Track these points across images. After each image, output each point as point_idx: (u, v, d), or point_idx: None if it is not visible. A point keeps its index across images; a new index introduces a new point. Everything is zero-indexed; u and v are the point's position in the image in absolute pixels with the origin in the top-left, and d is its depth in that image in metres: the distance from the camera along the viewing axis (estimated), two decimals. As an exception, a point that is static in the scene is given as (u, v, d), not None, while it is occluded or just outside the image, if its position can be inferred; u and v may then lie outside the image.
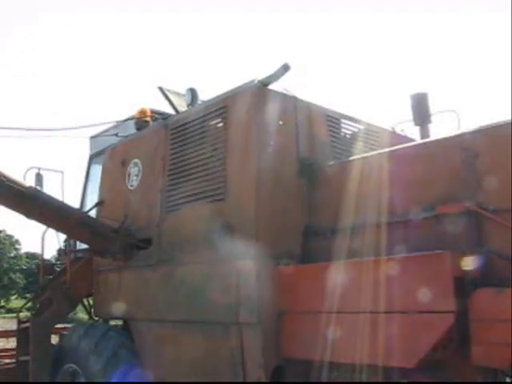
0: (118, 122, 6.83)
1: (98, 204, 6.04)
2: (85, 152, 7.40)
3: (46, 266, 6.55)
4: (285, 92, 4.77)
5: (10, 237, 66.17)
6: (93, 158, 7.29)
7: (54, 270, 6.78)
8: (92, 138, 7.28)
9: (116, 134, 6.20)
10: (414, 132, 5.91)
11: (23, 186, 5.00)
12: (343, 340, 3.91)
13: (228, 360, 4.39)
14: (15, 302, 54.03)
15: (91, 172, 7.28)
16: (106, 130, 6.99)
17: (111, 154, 6.09)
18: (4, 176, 4.85)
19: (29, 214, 5.20)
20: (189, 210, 4.91)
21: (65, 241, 6.55)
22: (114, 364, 5.17)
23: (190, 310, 4.73)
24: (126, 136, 6.28)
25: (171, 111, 6.08)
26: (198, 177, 4.86)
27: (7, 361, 6.53)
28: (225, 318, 4.41)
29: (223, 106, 4.76)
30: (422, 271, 3.54)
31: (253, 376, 4.21)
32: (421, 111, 5.83)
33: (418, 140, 5.83)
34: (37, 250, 73.99)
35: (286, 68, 4.55)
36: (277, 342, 4.24)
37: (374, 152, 4.78)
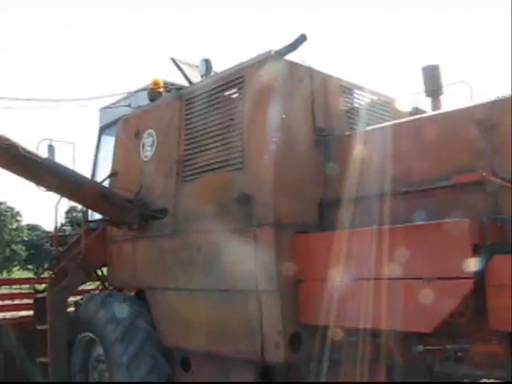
0: (128, 93, 6.85)
1: (112, 175, 6.08)
2: (95, 123, 7.42)
3: (58, 238, 6.62)
4: (301, 62, 4.79)
5: (12, 209, 66.67)
6: (103, 130, 7.32)
7: (66, 241, 6.87)
8: (102, 109, 7.30)
9: (129, 105, 6.22)
10: (426, 103, 5.95)
11: (40, 158, 5.06)
12: (361, 306, 4.00)
13: (246, 326, 4.49)
14: (17, 273, 54.59)
15: (102, 143, 7.31)
16: (116, 102, 7.01)
17: (124, 125, 6.12)
18: (22, 148, 4.90)
19: (46, 185, 5.29)
20: (205, 179, 4.97)
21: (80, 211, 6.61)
22: (132, 332, 5.29)
23: (208, 278, 4.83)
24: (139, 107, 6.32)
25: (184, 82, 6.08)
26: (214, 147, 4.91)
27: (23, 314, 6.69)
28: (243, 285, 4.51)
29: (240, 76, 4.78)
30: (440, 238, 3.62)
31: (271, 342, 4.32)
32: (432, 83, 5.85)
33: (430, 111, 5.90)
34: (38, 221, 74.53)
35: (302, 38, 4.57)
36: (294, 308, 4.35)
37: (390, 122, 4.83)
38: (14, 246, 63.39)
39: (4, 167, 4.98)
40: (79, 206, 6.52)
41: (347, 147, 4.70)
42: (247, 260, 4.47)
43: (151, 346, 5.27)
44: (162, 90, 5.90)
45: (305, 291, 4.36)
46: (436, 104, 5.89)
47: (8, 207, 66.07)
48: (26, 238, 66.38)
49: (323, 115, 4.83)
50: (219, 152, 4.87)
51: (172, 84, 6.07)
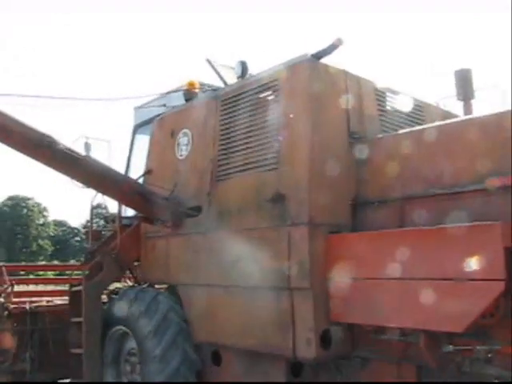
0: (161, 94, 7.05)
1: (146, 173, 6.26)
2: (129, 122, 7.62)
3: (94, 232, 6.84)
4: (336, 66, 4.91)
5: (38, 204, 67.77)
6: (137, 128, 7.52)
7: (101, 236, 7.10)
8: (136, 108, 7.50)
9: (164, 105, 6.40)
10: (457, 107, 6.03)
11: (79, 155, 5.26)
12: (392, 305, 4.12)
13: (278, 323, 4.62)
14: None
15: (135, 141, 7.51)
16: (151, 101, 7.20)
17: (160, 124, 6.29)
18: (63, 145, 5.11)
19: (84, 182, 5.49)
20: (241, 178, 5.12)
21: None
22: (164, 326, 5.45)
23: (241, 275, 4.96)
24: (174, 107, 6.50)
25: (218, 83, 6.24)
26: (250, 147, 5.05)
27: (59, 301, 7.00)
28: (276, 282, 4.64)
29: (276, 78, 4.92)
30: (473, 240, 3.71)
31: (302, 337, 4.45)
32: (464, 87, 5.95)
33: (462, 115, 5.98)
34: (64, 217, 75.62)
35: (338, 42, 4.69)
36: (325, 306, 4.47)
37: (424, 126, 4.93)
38: (40, 241, 64.52)
39: (45, 163, 5.20)
40: (104, 203, 6.72)
41: (380, 150, 4.82)
42: (281, 258, 4.60)
43: (183, 340, 5.43)
44: (197, 90, 6.07)
45: (336, 289, 4.47)
46: (467, 108, 6.00)
47: (35, 203, 67.25)
48: (52, 234, 67.54)
49: (357, 118, 4.94)
50: (254, 152, 5.01)
51: (207, 85, 6.24)
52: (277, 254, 4.65)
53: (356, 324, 4.50)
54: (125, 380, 6.00)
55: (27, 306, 6.58)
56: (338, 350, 4.52)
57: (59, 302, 6.94)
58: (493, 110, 4.40)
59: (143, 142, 7.37)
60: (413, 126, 5.37)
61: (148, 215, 5.79)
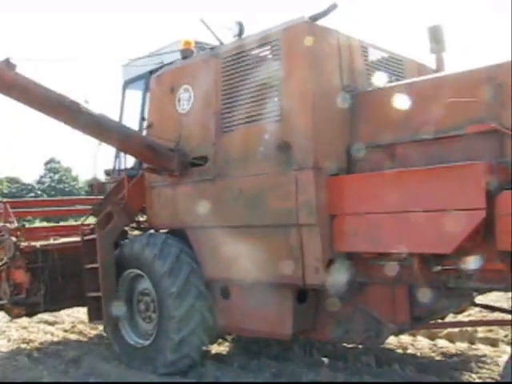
0: (150, 52, 7.55)
1: (148, 127, 6.80)
2: (112, 80, 8.06)
3: (98, 185, 7.38)
4: (329, 27, 5.56)
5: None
6: (127, 84, 7.98)
7: (104, 188, 7.67)
8: (125, 65, 7.94)
9: (162, 62, 6.90)
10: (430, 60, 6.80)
11: (95, 113, 5.76)
12: (390, 234, 4.92)
13: (288, 255, 5.38)
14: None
15: (126, 97, 7.99)
16: (139, 59, 7.69)
17: (158, 81, 6.80)
18: (80, 105, 5.60)
19: (99, 138, 6.04)
20: (245, 129, 5.75)
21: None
22: (178, 266, 6.14)
23: (250, 215, 5.67)
24: (167, 64, 7.02)
25: (210, 42, 6.78)
26: (253, 100, 5.66)
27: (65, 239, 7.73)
28: (285, 220, 5.37)
29: (277, 38, 5.51)
30: (459, 177, 4.52)
31: (311, 267, 5.23)
32: (436, 42, 6.69)
33: (434, 67, 6.76)
34: (16, 174, 74.45)
35: (333, 7, 5.34)
36: (329, 239, 5.26)
37: (409, 80, 5.69)
38: (-8, 199, 63.13)
39: (65, 122, 5.68)
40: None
41: (370, 102, 5.55)
42: (288, 199, 5.32)
43: (195, 278, 6.15)
44: (193, 48, 6.59)
45: (338, 224, 5.26)
46: (439, 61, 6.76)
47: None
48: (5, 191, 66.30)
49: (348, 73, 5.63)
50: (257, 106, 5.63)
51: (203, 43, 6.77)
52: (284, 196, 5.37)
53: (355, 253, 5.34)
54: (138, 318, 6.72)
55: (38, 245, 7.23)
56: (341, 277, 5.35)
57: (65, 240, 7.64)
58: (471, 65, 5.17)
59: (134, 97, 7.88)
60: (394, 79, 6.16)
61: (155, 166, 6.37)
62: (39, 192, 60.90)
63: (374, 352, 6.34)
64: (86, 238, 6.73)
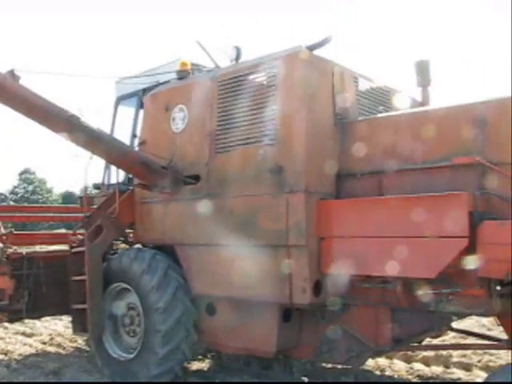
0: (144, 71, 7.78)
1: (141, 144, 6.97)
2: (108, 95, 8.26)
3: (87, 198, 7.50)
4: (325, 57, 5.85)
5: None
6: (120, 100, 8.17)
7: (92, 201, 7.81)
8: (117, 82, 8.13)
9: (157, 81, 7.11)
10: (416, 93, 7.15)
11: (93, 128, 5.93)
12: (375, 258, 5.17)
13: (276, 275, 5.57)
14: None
15: (117, 113, 8.16)
16: (133, 76, 7.89)
17: (153, 99, 7.00)
18: (79, 118, 5.77)
19: (95, 152, 6.20)
20: (239, 151, 5.97)
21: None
22: (166, 282, 6.28)
23: (240, 235, 5.86)
24: (161, 83, 7.24)
25: (204, 64, 7.04)
26: (248, 124, 5.90)
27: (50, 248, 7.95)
28: (275, 241, 5.58)
29: (274, 65, 5.77)
30: (444, 206, 4.80)
31: (298, 287, 5.43)
32: (422, 75, 7.07)
33: (420, 100, 7.12)
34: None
35: (329, 38, 5.64)
36: (317, 260, 5.48)
37: (399, 112, 6.00)
38: None
39: (64, 135, 5.83)
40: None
41: (361, 130, 5.84)
42: (279, 220, 5.53)
43: (182, 294, 6.30)
44: (189, 70, 6.82)
45: (326, 246, 5.49)
46: (424, 94, 7.13)
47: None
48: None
49: (341, 102, 5.91)
50: (252, 129, 5.87)
51: (199, 65, 7.02)
52: (275, 217, 5.59)
53: (338, 275, 5.55)
54: (122, 331, 6.82)
55: (24, 252, 7.37)
56: (326, 297, 5.57)
57: (51, 249, 7.82)
58: (458, 101, 5.49)
59: (126, 113, 8.07)
60: (382, 109, 6.48)
61: (148, 182, 6.54)
62: (12, 202, 60.04)
63: (353, 373, 6.55)
64: (74, 250, 6.84)
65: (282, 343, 5.89)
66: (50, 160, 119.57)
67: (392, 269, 5.07)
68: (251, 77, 6.02)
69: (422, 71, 7.03)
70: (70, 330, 9.20)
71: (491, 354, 7.12)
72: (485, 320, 8.53)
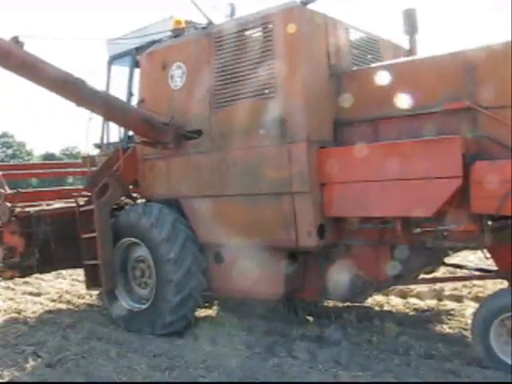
0: (135, 30, 7.94)
1: (140, 102, 7.19)
2: (100, 56, 8.41)
3: (89, 159, 7.77)
4: (318, 10, 6.10)
5: None
6: (113, 60, 8.33)
7: (95, 161, 8.09)
8: (110, 41, 8.27)
9: (155, 39, 7.29)
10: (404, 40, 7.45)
11: (97, 90, 6.16)
12: (376, 200, 5.57)
13: (281, 221, 5.97)
14: None
15: (111, 73, 8.34)
16: (125, 35, 8.05)
17: (149, 58, 7.19)
18: (84, 81, 5.98)
19: (99, 112, 6.45)
20: (240, 105, 6.24)
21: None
22: (175, 234, 6.65)
23: (244, 185, 6.22)
24: (155, 41, 7.42)
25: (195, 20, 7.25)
26: (247, 78, 6.17)
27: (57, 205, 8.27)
28: (279, 189, 5.95)
29: (270, 20, 6.00)
30: (439, 149, 5.19)
31: (304, 231, 5.83)
32: (410, 24, 7.34)
33: (407, 47, 7.42)
34: None
35: None
36: (320, 205, 5.87)
37: (391, 61, 6.32)
38: None
39: (70, 98, 6.06)
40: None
41: (355, 80, 6.15)
42: (282, 169, 5.89)
43: (191, 244, 6.68)
44: (184, 27, 7.01)
45: (327, 191, 5.87)
46: (412, 41, 7.43)
47: None
48: None
49: (334, 53, 6.20)
50: (251, 83, 6.13)
51: (193, 23, 7.21)
52: (278, 166, 5.94)
53: (342, 218, 5.97)
54: (133, 284, 7.21)
55: (32, 210, 7.65)
56: (330, 239, 5.99)
57: (58, 206, 8.10)
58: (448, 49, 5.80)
59: (120, 72, 8.26)
60: (371, 58, 6.78)
61: (151, 139, 6.81)
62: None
63: (355, 310, 7.05)
64: (82, 209, 7.14)
65: (289, 285, 6.33)
66: (28, 123, 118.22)
67: (392, 209, 5.49)
68: (248, 32, 6.26)
69: (409, 19, 7.30)
70: (77, 288, 9.77)
71: (479, 286, 7.70)
72: (472, 256, 9.10)
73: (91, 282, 7.18)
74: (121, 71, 8.29)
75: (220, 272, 6.77)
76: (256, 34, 6.23)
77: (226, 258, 6.70)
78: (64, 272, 10.74)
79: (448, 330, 6.33)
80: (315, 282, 6.41)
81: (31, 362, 6.08)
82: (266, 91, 6.04)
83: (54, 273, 10.54)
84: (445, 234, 5.53)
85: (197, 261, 6.68)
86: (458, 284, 7.85)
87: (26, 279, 10.03)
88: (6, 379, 5.65)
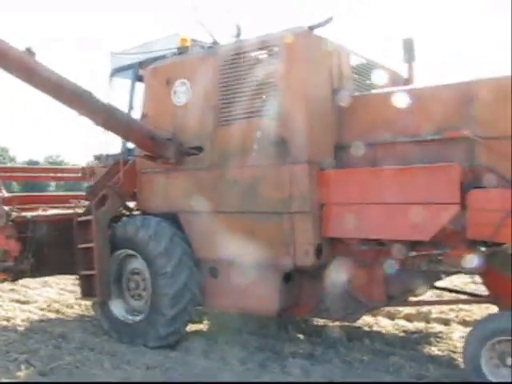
0: (140, 45, 8.10)
1: (142, 117, 7.31)
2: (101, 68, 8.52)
3: (89, 170, 7.87)
4: (324, 37, 6.31)
5: None
6: (115, 73, 8.47)
7: (94, 172, 8.18)
8: (113, 54, 8.41)
9: (160, 56, 7.43)
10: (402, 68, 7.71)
11: (103, 102, 6.28)
12: (372, 222, 5.75)
13: (280, 239, 6.12)
14: None
15: (113, 85, 8.47)
16: (129, 49, 8.20)
17: (153, 73, 7.32)
18: (91, 93, 6.11)
19: (104, 125, 6.56)
20: (243, 124, 6.41)
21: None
22: (172, 247, 6.75)
23: (243, 203, 6.37)
24: (156, 57, 7.57)
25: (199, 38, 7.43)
26: (251, 98, 6.34)
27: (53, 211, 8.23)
28: (278, 208, 6.10)
29: (277, 43, 6.20)
30: (438, 175, 5.39)
31: (302, 250, 5.99)
32: (408, 52, 7.61)
33: (406, 75, 7.67)
34: None
35: (330, 19, 6.10)
36: (318, 225, 6.03)
37: (393, 88, 6.56)
38: None
39: (76, 109, 6.18)
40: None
41: (356, 105, 6.35)
42: (282, 189, 6.05)
43: (188, 259, 6.79)
44: (189, 45, 7.18)
45: (326, 212, 6.05)
46: (410, 69, 7.68)
47: None
48: None
49: (337, 78, 6.42)
50: (255, 103, 6.32)
51: (198, 41, 7.38)
52: (279, 186, 6.10)
53: (339, 238, 6.14)
54: (127, 295, 7.28)
55: (29, 215, 7.68)
56: (326, 259, 6.15)
57: (54, 212, 8.14)
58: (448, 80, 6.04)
59: (121, 85, 8.39)
60: (369, 83, 7.01)
61: (153, 154, 6.93)
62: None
63: (345, 329, 7.20)
64: (80, 219, 7.21)
65: (284, 303, 6.47)
66: (11, 129, 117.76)
67: (390, 232, 5.68)
68: (254, 53, 6.45)
69: (408, 48, 7.57)
70: (65, 297, 9.78)
71: (466, 310, 7.90)
72: (457, 281, 9.35)
73: (86, 291, 7.23)
74: (122, 83, 8.43)
75: (215, 287, 6.88)
76: (262, 55, 6.43)
77: (222, 273, 6.81)
78: (50, 280, 10.76)
79: (437, 352, 6.50)
80: (309, 300, 6.56)
81: (24, 371, 6.08)
82: (269, 112, 6.21)
83: (40, 281, 10.59)
84: (439, 258, 5.75)
85: (193, 275, 6.78)
86: (445, 307, 8.05)
87: (12, 286, 10.05)
88: (-1, 386, 5.70)
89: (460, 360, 5.94)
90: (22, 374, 6.00)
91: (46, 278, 10.07)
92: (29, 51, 5.69)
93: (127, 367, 6.12)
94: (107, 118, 6.36)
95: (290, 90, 6.10)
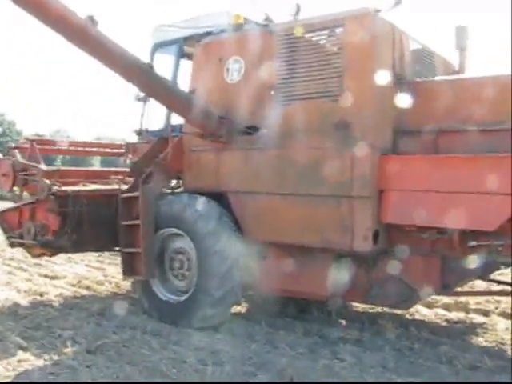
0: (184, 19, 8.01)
1: (190, 93, 7.23)
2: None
3: (132, 147, 7.81)
4: (388, 20, 6.27)
5: None
6: (157, 47, 8.37)
7: (136, 148, 8.12)
8: (157, 27, 8.30)
9: (208, 32, 7.35)
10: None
11: (161, 77, 6.22)
12: (435, 210, 5.75)
13: (337, 223, 6.11)
14: None
15: (154, 59, 8.36)
16: (173, 23, 8.09)
17: (205, 49, 7.26)
18: (155, 71, 6.04)
19: (161, 100, 6.49)
20: (303, 104, 6.38)
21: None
22: (220, 227, 6.74)
23: (301, 185, 6.35)
24: (206, 33, 7.49)
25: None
26: (311, 79, 6.31)
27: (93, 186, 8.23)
28: (338, 191, 6.10)
29: (342, 23, 6.16)
30: (507, 166, 5.38)
31: (360, 235, 5.99)
32: (461, 40, 7.58)
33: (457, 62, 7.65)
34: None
35: (399, 2, 6.04)
36: (377, 211, 6.03)
37: (455, 76, 6.58)
38: None
39: (135, 83, 6.12)
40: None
41: (419, 91, 6.32)
42: (343, 172, 6.04)
43: (236, 239, 6.76)
44: (243, 22, 7.09)
45: (385, 198, 6.04)
46: (462, 56, 7.66)
47: None
48: None
49: (399, 63, 6.38)
50: (317, 84, 6.27)
51: (250, 20, 7.30)
52: (340, 169, 6.08)
53: (396, 225, 6.14)
54: (170, 275, 7.27)
55: (69, 190, 7.64)
56: (382, 245, 6.16)
57: (95, 188, 8.11)
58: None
59: (163, 60, 8.30)
60: (426, 71, 6.98)
61: (205, 132, 6.86)
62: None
63: (387, 316, 7.24)
64: (125, 195, 7.15)
65: (336, 287, 6.48)
66: (19, 103, 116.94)
67: (453, 221, 5.67)
68: (316, 34, 6.40)
69: (461, 36, 7.53)
70: (93, 274, 9.74)
71: (506, 302, 7.95)
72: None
73: (128, 269, 7.19)
74: (165, 59, 8.33)
75: (264, 269, 6.86)
76: (325, 36, 6.38)
77: (272, 255, 6.81)
78: (74, 255, 10.71)
79: (485, 344, 6.55)
80: (361, 286, 6.57)
81: (70, 347, 6.08)
82: (332, 93, 6.18)
83: (64, 256, 10.54)
84: (499, 249, 5.77)
85: (242, 256, 6.77)
86: (481, 298, 8.11)
87: (38, 261, 9.99)
88: (49, 363, 5.66)
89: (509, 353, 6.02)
90: (69, 351, 5.99)
91: (70, 254, 10.00)
92: (92, 19, 5.58)
93: (176, 348, 6.11)
94: (165, 93, 6.29)
95: (356, 72, 6.07)
